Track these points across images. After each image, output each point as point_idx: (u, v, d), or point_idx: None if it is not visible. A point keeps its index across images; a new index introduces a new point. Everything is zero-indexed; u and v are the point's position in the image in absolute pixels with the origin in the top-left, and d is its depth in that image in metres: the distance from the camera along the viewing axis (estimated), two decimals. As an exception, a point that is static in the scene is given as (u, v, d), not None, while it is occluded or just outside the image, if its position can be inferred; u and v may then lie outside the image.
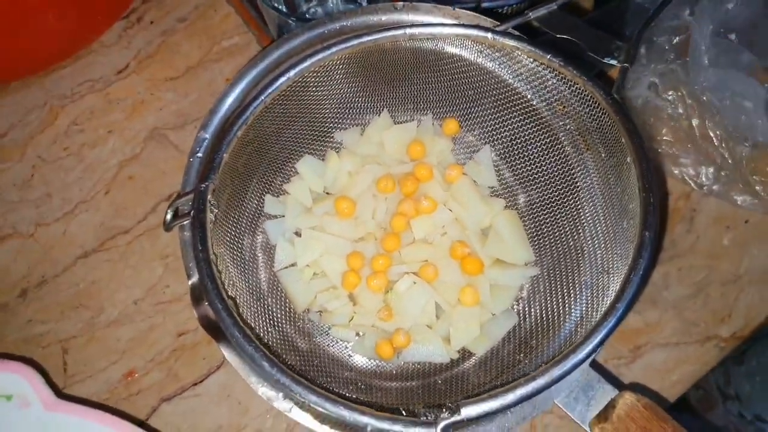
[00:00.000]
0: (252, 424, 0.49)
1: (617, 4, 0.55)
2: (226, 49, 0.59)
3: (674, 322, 0.52)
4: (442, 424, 0.31)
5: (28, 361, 0.48)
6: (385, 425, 0.32)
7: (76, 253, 0.53)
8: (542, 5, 0.44)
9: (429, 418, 0.32)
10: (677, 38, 0.49)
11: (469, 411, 0.32)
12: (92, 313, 0.52)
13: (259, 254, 0.46)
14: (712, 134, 0.52)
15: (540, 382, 0.33)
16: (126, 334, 0.51)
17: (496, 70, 0.45)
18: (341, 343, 0.45)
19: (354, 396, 0.40)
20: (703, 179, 0.54)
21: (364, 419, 0.32)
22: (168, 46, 0.59)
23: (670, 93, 0.52)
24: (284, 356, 0.40)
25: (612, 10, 0.56)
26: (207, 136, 0.42)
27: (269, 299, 0.45)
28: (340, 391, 0.40)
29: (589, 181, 0.44)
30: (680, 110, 0.52)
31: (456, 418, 0.31)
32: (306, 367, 0.42)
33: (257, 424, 0.49)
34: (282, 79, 0.42)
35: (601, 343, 0.33)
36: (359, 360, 0.45)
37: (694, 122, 0.52)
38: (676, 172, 0.54)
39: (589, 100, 0.42)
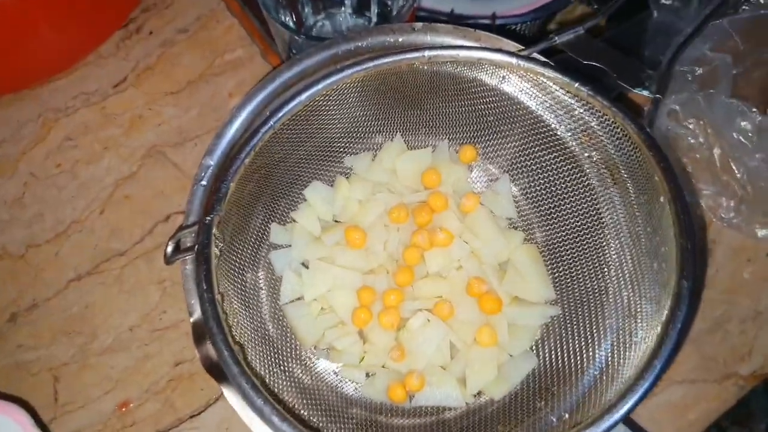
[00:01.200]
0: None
1: (634, 24, 0.53)
2: (229, 62, 0.57)
3: (692, 358, 0.50)
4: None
5: (16, 399, 0.45)
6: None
7: (69, 276, 0.51)
8: (568, 29, 0.42)
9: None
10: (700, 69, 0.47)
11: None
12: (85, 339, 0.49)
13: (264, 287, 0.44)
14: (733, 166, 0.50)
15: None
16: (120, 362, 0.49)
17: (519, 96, 0.43)
18: (350, 382, 0.42)
19: None
20: (723, 211, 0.52)
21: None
22: (168, 58, 0.57)
23: (690, 122, 0.50)
24: (289, 398, 0.37)
25: (629, 30, 0.54)
26: (212, 162, 0.40)
27: (274, 336, 0.43)
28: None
29: (616, 218, 0.41)
30: (701, 140, 0.50)
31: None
32: (312, 406, 0.40)
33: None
34: (293, 103, 0.39)
35: (638, 403, 0.31)
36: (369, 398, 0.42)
37: (715, 152, 0.50)
38: (693, 201, 0.52)
39: (619, 133, 0.40)
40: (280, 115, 0.39)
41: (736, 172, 0.49)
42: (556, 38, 0.42)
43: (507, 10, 0.55)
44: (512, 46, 0.42)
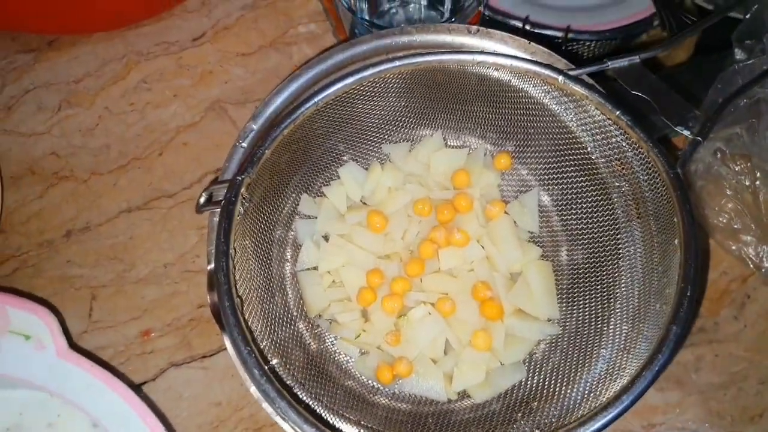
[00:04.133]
0: (249, 407, 0.49)
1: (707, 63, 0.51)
2: (301, 35, 0.59)
3: (697, 409, 0.49)
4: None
5: (52, 307, 0.50)
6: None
7: (121, 207, 0.55)
8: (624, 55, 0.42)
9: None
10: (744, 101, 0.45)
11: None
12: (124, 266, 0.53)
13: (285, 251, 0.46)
14: (776, 211, 0.48)
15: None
16: (151, 294, 0.53)
17: (561, 114, 0.43)
18: (344, 356, 0.45)
19: (345, 411, 0.40)
20: (765, 261, 0.50)
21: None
22: (246, 21, 0.60)
23: (738, 163, 0.48)
24: (282, 359, 0.40)
25: (687, 71, 0.52)
26: (255, 127, 0.42)
27: (287, 296, 0.46)
28: (336, 403, 0.41)
29: (633, 251, 0.41)
30: (746, 182, 0.48)
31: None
32: (310, 369, 0.42)
33: (254, 408, 0.49)
34: (339, 85, 0.41)
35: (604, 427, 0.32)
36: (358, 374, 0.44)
37: (761, 198, 0.48)
38: (734, 248, 0.51)
39: (650, 168, 0.39)
40: (325, 93, 0.41)
41: (780, 218, 0.47)
42: (609, 63, 0.42)
43: (583, 25, 0.55)
44: (563, 63, 0.42)
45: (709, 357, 0.50)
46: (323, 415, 0.37)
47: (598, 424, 0.32)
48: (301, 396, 0.38)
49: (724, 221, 0.50)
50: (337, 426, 0.37)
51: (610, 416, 0.32)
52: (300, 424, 0.33)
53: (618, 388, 0.35)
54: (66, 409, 0.45)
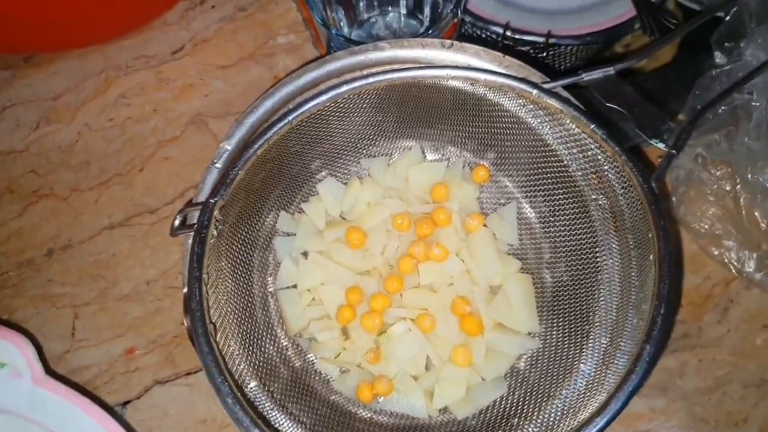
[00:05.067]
0: (233, 425, 0.49)
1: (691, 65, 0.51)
2: (280, 46, 0.59)
3: (681, 415, 0.49)
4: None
5: (27, 333, 0.50)
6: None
7: (103, 224, 0.55)
8: (598, 67, 0.41)
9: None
10: (723, 107, 0.45)
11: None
12: (107, 284, 0.53)
13: (265, 270, 0.46)
14: (760, 218, 0.48)
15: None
16: (134, 311, 0.53)
17: (537, 127, 0.43)
18: (323, 375, 0.45)
19: (325, 428, 0.40)
20: (746, 266, 0.50)
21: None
22: (224, 33, 0.59)
23: (718, 168, 0.48)
24: (261, 381, 0.40)
25: (670, 72, 0.52)
26: (229, 148, 0.42)
27: (269, 315, 0.46)
28: (318, 423, 0.41)
29: (611, 264, 0.41)
30: (727, 188, 0.48)
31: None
32: (291, 388, 0.42)
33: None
34: (312, 103, 0.41)
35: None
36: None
37: (742, 202, 0.48)
38: (716, 253, 0.50)
39: (626, 182, 0.39)
40: (298, 112, 0.41)
41: (761, 222, 0.47)
42: (584, 75, 0.41)
43: (564, 29, 0.54)
44: (538, 76, 0.42)
45: (693, 362, 0.50)
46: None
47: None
48: (279, 419, 0.38)
49: (707, 226, 0.50)
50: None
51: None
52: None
53: (597, 405, 0.34)
54: (48, 433, 0.45)
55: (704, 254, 0.52)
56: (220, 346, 0.36)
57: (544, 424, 0.39)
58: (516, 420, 0.40)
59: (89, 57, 0.60)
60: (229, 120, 0.57)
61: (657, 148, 0.42)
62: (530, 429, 0.39)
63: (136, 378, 0.51)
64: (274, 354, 0.43)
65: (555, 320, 0.44)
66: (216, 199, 0.39)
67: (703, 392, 0.50)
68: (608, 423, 0.32)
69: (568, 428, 0.36)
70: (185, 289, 0.40)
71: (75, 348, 0.52)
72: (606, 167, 0.41)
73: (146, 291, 0.53)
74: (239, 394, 0.34)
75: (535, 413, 0.40)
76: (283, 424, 0.38)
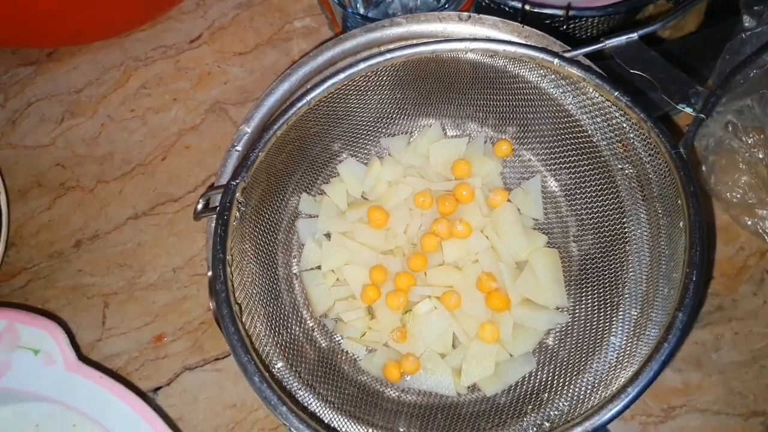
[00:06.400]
0: (264, 409, 0.50)
1: (718, 31, 0.50)
2: (297, 30, 0.59)
3: (718, 389, 0.48)
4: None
5: (60, 320, 0.51)
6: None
7: (128, 214, 0.56)
8: (621, 33, 0.40)
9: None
10: (755, 71, 0.43)
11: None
12: (134, 273, 0.54)
13: (289, 252, 0.46)
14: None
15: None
16: (162, 299, 0.53)
17: (559, 97, 0.42)
18: (350, 355, 0.44)
19: (354, 409, 0.40)
20: (782, 236, 0.48)
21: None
22: (241, 20, 0.59)
23: (750, 135, 0.46)
24: (288, 362, 0.40)
25: (697, 40, 0.50)
26: (249, 130, 0.42)
27: (295, 297, 0.46)
28: (345, 402, 0.41)
29: (640, 234, 0.40)
30: (760, 155, 0.47)
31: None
32: (312, 374, 0.42)
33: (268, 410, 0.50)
34: (330, 82, 0.41)
35: (615, 417, 0.31)
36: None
37: (775, 168, 0.47)
38: (749, 223, 0.49)
39: (653, 149, 0.38)
40: (316, 92, 0.41)
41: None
42: (607, 42, 0.40)
43: (584, 1, 0.53)
44: (558, 46, 0.41)
45: (728, 335, 0.49)
46: (328, 418, 0.37)
47: (605, 417, 0.31)
48: (307, 398, 0.38)
49: (739, 196, 0.49)
50: (344, 429, 0.37)
51: (616, 409, 0.31)
52: (302, 430, 0.32)
53: (628, 376, 0.34)
54: (80, 420, 0.45)
55: (737, 224, 0.51)
56: (246, 327, 0.36)
57: (575, 398, 0.38)
58: (546, 395, 0.39)
59: (109, 50, 0.60)
60: (248, 106, 0.57)
61: (684, 116, 0.41)
62: (561, 403, 0.38)
63: (165, 364, 0.51)
64: (301, 335, 0.43)
65: (583, 294, 0.43)
66: (237, 181, 0.39)
67: (739, 366, 0.48)
68: (641, 392, 0.32)
69: (600, 400, 0.35)
70: (210, 273, 0.40)
71: (106, 336, 0.52)
72: (631, 135, 0.40)
73: (172, 278, 0.54)
74: (266, 373, 0.34)
75: (566, 387, 0.39)
76: (311, 403, 0.38)
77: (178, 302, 0.53)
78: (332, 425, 0.34)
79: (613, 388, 0.35)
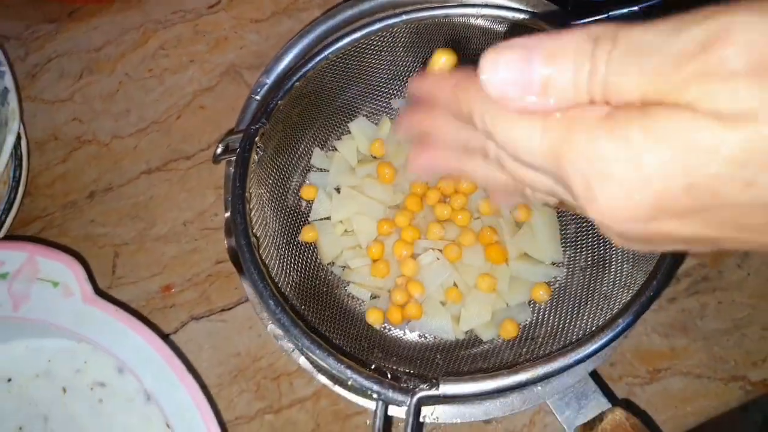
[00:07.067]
0: (267, 358, 0.51)
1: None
2: (313, 0, 0.61)
3: (701, 354, 0.50)
4: (418, 395, 0.33)
5: (80, 257, 0.52)
6: (365, 383, 0.33)
7: (141, 168, 0.57)
8: (623, 5, 0.43)
9: (408, 386, 0.33)
10: None
11: (447, 388, 0.33)
12: (145, 225, 0.56)
13: (300, 202, 0.48)
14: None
15: (522, 377, 0.33)
16: (171, 251, 0.55)
17: (563, 64, 0.44)
18: (356, 299, 0.47)
19: (353, 351, 0.42)
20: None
21: (348, 372, 0.34)
22: (259, -13, 0.62)
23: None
24: (298, 301, 0.42)
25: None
26: (268, 81, 0.44)
27: (299, 245, 0.48)
28: (342, 344, 0.43)
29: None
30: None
31: (433, 392, 0.33)
32: (319, 314, 0.44)
33: (272, 359, 0.51)
34: (347, 39, 0.43)
35: (595, 352, 0.33)
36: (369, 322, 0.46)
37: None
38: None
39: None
40: (333, 48, 0.43)
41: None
42: (609, 14, 0.43)
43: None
44: (564, 15, 0.44)
45: (713, 304, 0.51)
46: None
47: (594, 346, 0.34)
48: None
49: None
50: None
51: (606, 338, 0.34)
52: (314, 350, 0.34)
53: (623, 304, 0.36)
54: (93, 356, 0.47)
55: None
56: (262, 258, 0.38)
57: (567, 342, 0.40)
58: (540, 339, 0.41)
59: (129, 12, 0.62)
60: (261, 71, 0.59)
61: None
62: (554, 346, 0.40)
63: (172, 314, 0.53)
64: (309, 278, 0.45)
65: (580, 249, 0.45)
66: (258, 125, 0.41)
67: (722, 333, 0.51)
68: (630, 324, 0.34)
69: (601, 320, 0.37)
70: (227, 213, 0.42)
71: (115, 285, 0.54)
72: (630, 100, 0.42)
73: (182, 232, 0.55)
74: (281, 298, 0.36)
75: (558, 333, 0.41)
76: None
77: (186, 255, 0.55)
78: (342, 348, 0.36)
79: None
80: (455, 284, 0.45)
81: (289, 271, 0.44)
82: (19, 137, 0.51)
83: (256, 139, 0.41)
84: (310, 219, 0.48)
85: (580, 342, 0.34)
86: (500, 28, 0.44)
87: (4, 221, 0.52)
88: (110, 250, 0.55)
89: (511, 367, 0.34)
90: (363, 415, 0.49)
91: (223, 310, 0.53)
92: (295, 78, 0.42)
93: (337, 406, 0.49)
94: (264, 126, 0.41)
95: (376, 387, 0.33)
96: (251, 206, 0.40)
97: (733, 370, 0.50)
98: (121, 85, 0.60)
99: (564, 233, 0.46)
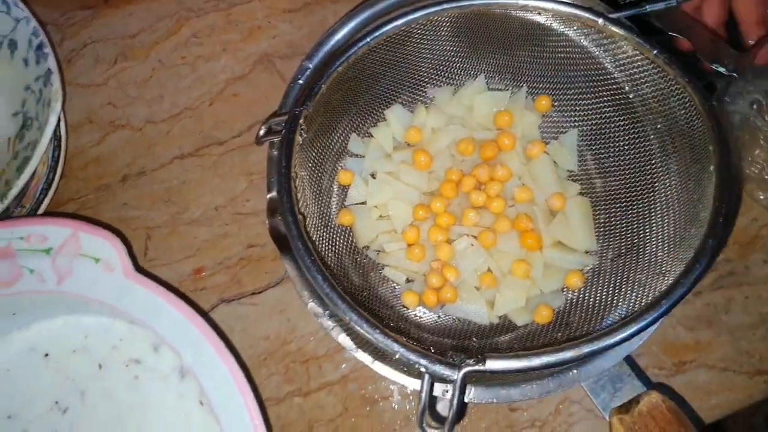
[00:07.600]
0: (296, 342, 0.52)
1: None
2: (346, -8, 0.62)
3: (727, 348, 0.51)
4: (465, 369, 0.33)
5: (119, 234, 0.53)
6: (412, 357, 0.34)
7: (174, 154, 0.58)
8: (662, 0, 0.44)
9: (455, 360, 0.34)
10: None
11: (493, 364, 0.34)
12: (178, 209, 0.56)
13: (335, 186, 0.49)
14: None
15: (567, 354, 0.34)
16: (203, 235, 0.56)
17: (600, 56, 0.45)
18: (391, 283, 0.47)
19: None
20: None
21: (395, 347, 0.34)
22: (293, -22, 0.62)
23: (775, 115, 0.50)
24: (339, 280, 0.42)
25: None
26: (311, 66, 0.45)
27: (336, 228, 0.48)
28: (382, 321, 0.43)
29: (668, 183, 0.43)
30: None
31: (479, 367, 0.33)
32: (356, 296, 0.45)
33: (301, 342, 0.52)
34: (389, 26, 0.44)
35: (636, 333, 0.34)
36: (404, 304, 0.47)
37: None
38: (761, 197, 0.52)
39: (687, 103, 0.41)
40: (376, 34, 0.44)
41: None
42: (648, 6, 0.44)
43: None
44: (603, 7, 0.44)
45: (739, 299, 0.52)
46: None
47: (636, 327, 0.34)
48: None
49: (756, 171, 0.52)
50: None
51: (648, 319, 0.34)
52: (361, 323, 0.35)
53: (663, 289, 0.37)
54: (128, 334, 0.48)
55: (750, 199, 0.54)
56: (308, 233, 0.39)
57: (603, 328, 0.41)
58: (574, 325, 0.42)
59: (163, 0, 0.63)
60: (294, 60, 0.60)
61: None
62: (587, 329, 0.41)
63: (203, 296, 0.54)
64: (347, 260, 0.46)
65: (612, 237, 0.46)
66: (302, 108, 0.42)
67: (748, 327, 0.51)
68: (668, 309, 0.35)
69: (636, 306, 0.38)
70: (270, 194, 0.43)
71: (148, 267, 0.55)
72: (666, 91, 0.43)
73: (215, 216, 0.56)
74: (328, 273, 0.37)
75: (593, 320, 0.42)
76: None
77: (218, 238, 0.56)
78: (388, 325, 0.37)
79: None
80: (489, 270, 0.46)
81: (327, 253, 0.44)
82: (59, 119, 0.52)
83: (300, 121, 0.42)
84: (345, 203, 0.49)
85: (625, 321, 0.34)
86: (540, 19, 0.45)
87: (42, 201, 0.52)
88: (143, 232, 0.56)
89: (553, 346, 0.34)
90: (390, 400, 0.50)
91: (253, 294, 0.54)
92: (338, 62, 0.43)
93: (364, 390, 0.50)
94: (308, 109, 0.42)
95: (423, 361, 0.34)
96: (296, 184, 0.41)
97: (759, 363, 0.51)
98: (155, 72, 0.61)
99: (596, 221, 0.47)
